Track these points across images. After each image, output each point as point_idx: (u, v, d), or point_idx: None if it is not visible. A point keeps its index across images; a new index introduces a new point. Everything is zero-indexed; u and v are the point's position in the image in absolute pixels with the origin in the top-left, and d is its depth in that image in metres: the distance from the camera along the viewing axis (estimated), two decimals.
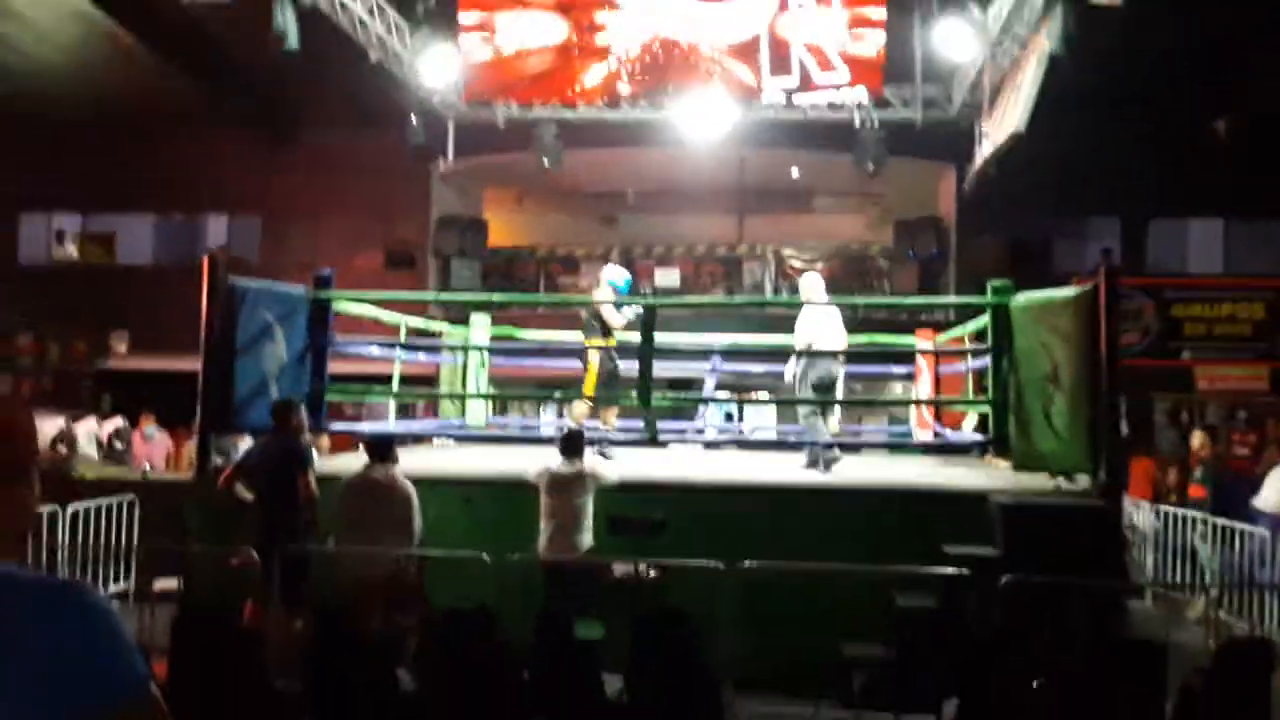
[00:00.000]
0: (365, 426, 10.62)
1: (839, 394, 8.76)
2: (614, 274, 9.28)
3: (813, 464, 8.35)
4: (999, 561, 6.29)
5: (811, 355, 8.49)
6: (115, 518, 8.90)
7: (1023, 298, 7.65)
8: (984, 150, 13.78)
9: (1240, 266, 17.69)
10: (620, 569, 6.72)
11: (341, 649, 4.87)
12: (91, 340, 19.24)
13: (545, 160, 15.75)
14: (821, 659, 5.87)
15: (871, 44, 14.47)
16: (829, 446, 8.42)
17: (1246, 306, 16.94)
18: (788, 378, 9.01)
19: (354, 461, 7.53)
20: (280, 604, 6.35)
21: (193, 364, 7.69)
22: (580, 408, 8.97)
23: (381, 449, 6.99)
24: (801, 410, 8.88)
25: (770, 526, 7.15)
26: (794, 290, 18.65)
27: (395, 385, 10.09)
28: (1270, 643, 5.52)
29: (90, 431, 13.61)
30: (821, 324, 8.51)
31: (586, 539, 6.89)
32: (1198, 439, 11.42)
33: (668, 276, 19.25)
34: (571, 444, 7.15)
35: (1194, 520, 10.24)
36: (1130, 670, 4.93)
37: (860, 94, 14.59)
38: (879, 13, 14.40)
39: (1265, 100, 15.66)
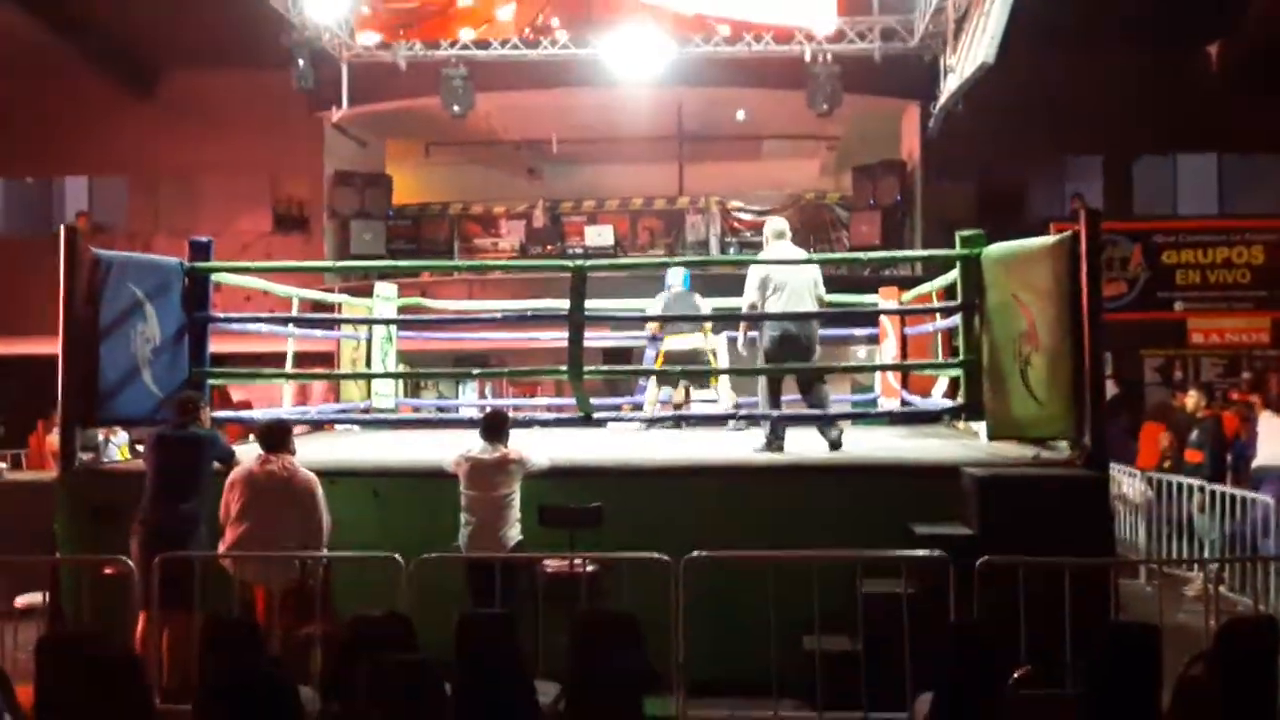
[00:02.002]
0: (256, 413, 10.50)
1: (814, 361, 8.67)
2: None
3: (769, 444, 8.41)
4: (974, 541, 6.41)
5: (759, 318, 8.48)
6: None
7: (995, 249, 7.74)
8: (949, 85, 13.94)
9: (1236, 207, 18.01)
10: (553, 565, 6.74)
11: (235, 665, 4.83)
12: None
13: (455, 106, 15.65)
14: (782, 655, 5.94)
15: None
16: (780, 421, 8.45)
17: (1244, 251, 17.24)
18: (739, 346, 9.06)
19: (245, 453, 7.46)
20: (165, 616, 6.29)
21: (51, 347, 7.56)
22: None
23: (276, 438, 6.95)
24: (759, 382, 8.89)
25: (721, 512, 7.21)
26: (743, 246, 19.03)
27: (289, 365, 9.99)
28: (1275, 620, 5.69)
29: None
30: (775, 280, 8.38)
31: (514, 533, 6.90)
32: (1192, 399, 11.69)
33: (600, 234, 19.21)
34: (494, 426, 7.14)
35: (1191, 488, 10.52)
36: (1123, 657, 5.06)
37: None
38: None
39: (1262, 23, 15.92)
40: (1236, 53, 16.74)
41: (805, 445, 8.49)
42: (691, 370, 10.04)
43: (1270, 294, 17.05)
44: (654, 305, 10.28)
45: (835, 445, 8.28)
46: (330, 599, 6.58)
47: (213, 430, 7.44)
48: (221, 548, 6.67)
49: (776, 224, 8.90)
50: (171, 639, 6.35)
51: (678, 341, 10.13)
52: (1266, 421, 11.37)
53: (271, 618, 6.40)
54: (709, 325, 10.28)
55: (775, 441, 8.39)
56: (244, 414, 10.44)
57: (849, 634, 6.23)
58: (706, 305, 10.25)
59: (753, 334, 8.69)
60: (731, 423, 9.83)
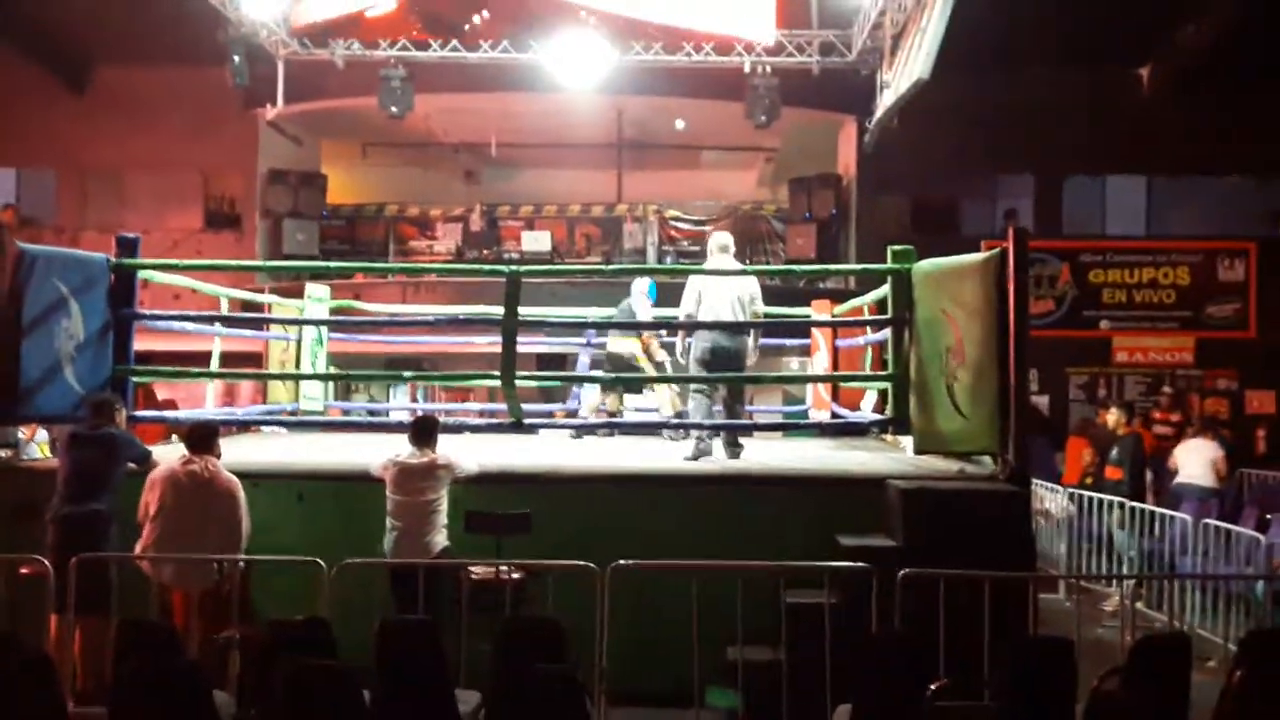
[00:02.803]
0: (181, 413, 10.36)
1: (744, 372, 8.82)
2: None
3: (698, 453, 8.48)
4: (898, 552, 6.48)
5: (694, 328, 8.59)
6: None
7: (925, 264, 7.83)
8: (885, 101, 14.11)
9: (1163, 228, 18.35)
10: (479, 572, 6.71)
11: (151, 668, 4.76)
12: None
13: (393, 107, 15.58)
14: (705, 665, 5.96)
15: None
16: (712, 431, 8.55)
17: (1170, 272, 17.59)
18: (676, 354, 9.16)
19: (168, 453, 7.36)
20: (79, 618, 6.18)
21: None
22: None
23: (201, 438, 6.87)
24: (690, 390, 8.99)
25: (648, 520, 7.22)
26: (680, 255, 19.10)
27: (215, 365, 9.86)
28: (1188, 639, 5.81)
29: None
30: (707, 292, 8.56)
31: (440, 539, 6.86)
32: (1113, 416, 11.90)
33: (537, 239, 19.17)
34: (424, 431, 7.10)
35: (1111, 504, 10.70)
36: (1040, 670, 5.13)
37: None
38: None
39: (1191, 45, 16.25)
40: (1166, 76, 17.11)
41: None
42: (623, 377, 10.04)
43: (1194, 315, 17.40)
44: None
45: (733, 459, 8.50)
46: (250, 602, 6.52)
47: (128, 431, 7.32)
48: (139, 548, 6.58)
49: (720, 238, 9.11)
50: (85, 641, 6.23)
51: (614, 344, 10.14)
52: (1187, 443, 11.68)
53: (189, 620, 6.32)
54: (650, 333, 10.27)
55: (702, 449, 8.47)
56: (168, 414, 10.28)
57: (772, 644, 6.25)
58: (645, 303, 10.22)
59: (689, 342, 8.82)
60: (667, 431, 9.84)
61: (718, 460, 8.40)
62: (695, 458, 8.41)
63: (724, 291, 8.58)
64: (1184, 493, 11.56)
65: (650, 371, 10.27)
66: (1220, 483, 11.84)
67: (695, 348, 8.65)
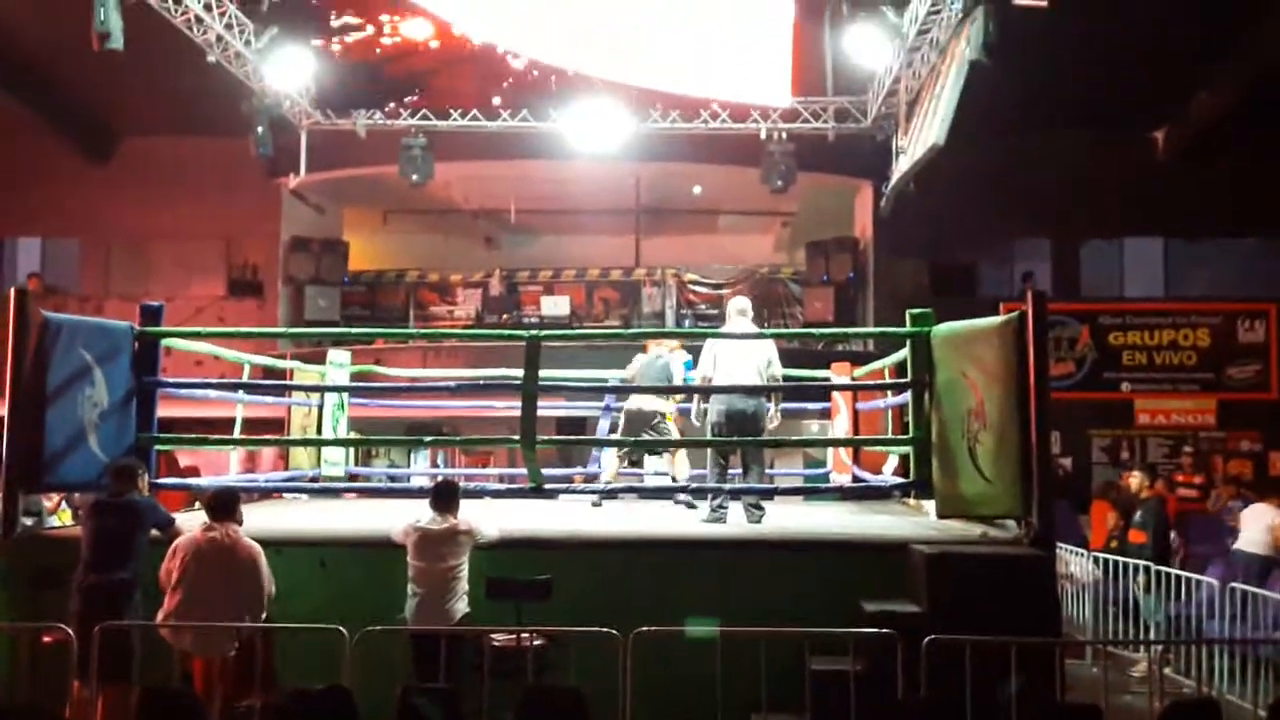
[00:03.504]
0: (203, 480, 10.39)
1: (764, 435, 8.78)
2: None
3: (713, 515, 8.47)
4: (923, 618, 6.42)
5: (710, 392, 8.60)
6: None
7: (944, 327, 7.83)
8: (901, 166, 14.19)
9: (1181, 290, 18.37)
10: (500, 639, 6.67)
11: None
12: None
13: (413, 175, 15.76)
14: None
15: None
16: (728, 495, 8.53)
17: (1189, 334, 17.52)
18: (691, 418, 9.15)
19: (190, 520, 7.37)
20: (104, 686, 6.16)
21: None
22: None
23: (223, 505, 6.87)
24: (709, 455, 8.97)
25: (671, 586, 7.18)
26: (698, 319, 19.14)
27: (237, 432, 9.90)
28: (1218, 704, 5.73)
29: None
30: (723, 355, 8.59)
31: (461, 605, 6.83)
32: (1135, 479, 11.81)
33: (556, 304, 19.27)
34: (444, 496, 7.10)
35: (1136, 569, 10.59)
36: None
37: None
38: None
39: (1205, 110, 16.36)
40: (1181, 138, 17.19)
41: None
42: (646, 441, 9.97)
43: (1215, 376, 17.30)
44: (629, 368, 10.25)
45: (755, 523, 8.44)
46: (272, 670, 6.48)
47: (151, 498, 7.34)
48: (160, 616, 6.57)
49: (739, 302, 9.16)
50: (108, 710, 6.21)
51: (637, 400, 9.96)
52: (1254, 506, 11.42)
53: (211, 688, 6.29)
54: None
55: (719, 513, 8.47)
56: (190, 481, 10.31)
57: (796, 712, 6.19)
58: (672, 360, 10.16)
59: (704, 406, 8.84)
60: (681, 497, 9.82)
61: (739, 524, 8.37)
62: (711, 521, 8.39)
63: (741, 355, 8.61)
64: (1237, 559, 11.31)
65: (674, 435, 10.24)
66: (1273, 548, 11.14)
67: (711, 411, 8.67)
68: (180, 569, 6.62)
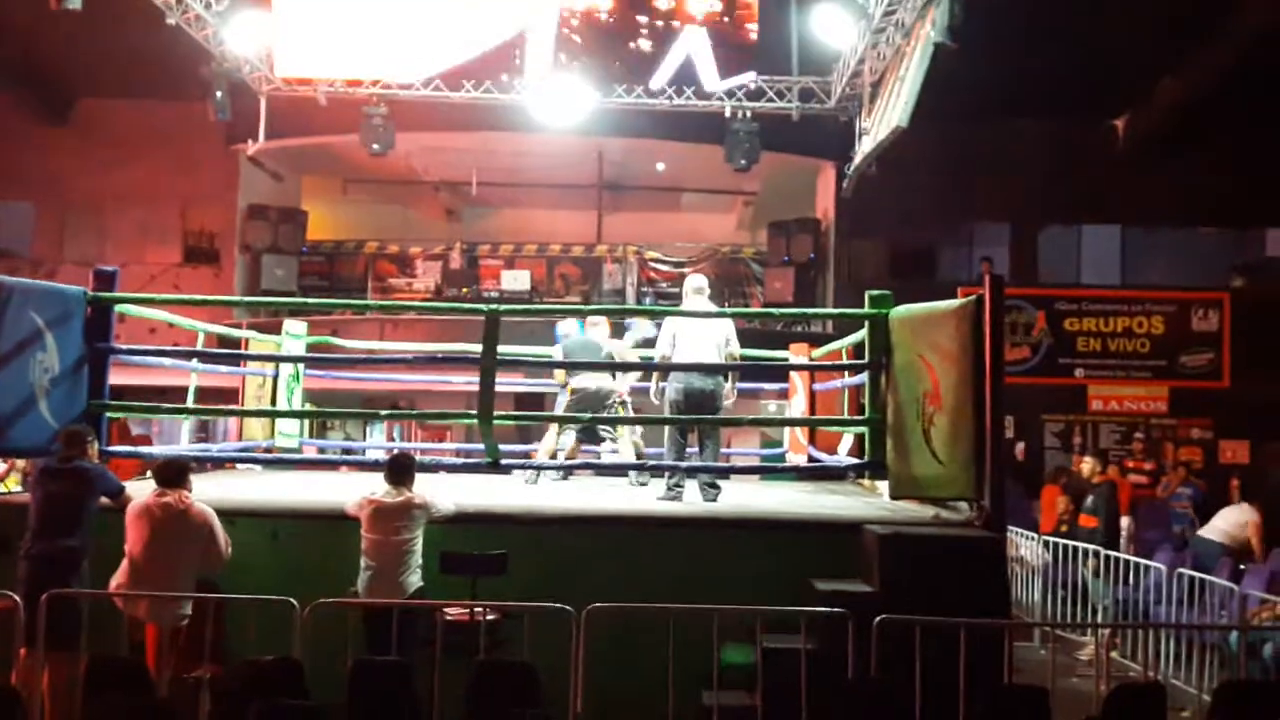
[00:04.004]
0: (155, 449, 10.28)
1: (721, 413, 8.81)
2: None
3: (670, 493, 8.51)
4: (875, 598, 6.47)
5: (670, 370, 8.62)
6: None
7: (903, 309, 7.86)
8: (864, 147, 14.23)
9: (1137, 278, 18.54)
10: (453, 613, 6.66)
11: (122, 707, 4.71)
12: None
13: (374, 144, 15.63)
14: (681, 709, 5.93)
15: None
16: (685, 473, 8.55)
17: (1144, 321, 17.65)
18: (650, 395, 9.17)
19: (141, 488, 7.30)
20: (49, 655, 6.10)
21: None
22: None
23: (172, 474, 6.80)
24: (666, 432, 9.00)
25: (625, 562, 7.19)
26: (659, 297, 19.15)
27: (190, 401, 9.81)
28: (1163, 688, 5.82)
29: None
30: (682, 333, 8.59)
31: (414, 579, 6.81)
32: (1088, 464, 11.94)
33: (516, 279, 19.23)
34: (400, 469, 7.07)
35: (1086, 553, 10.73)
36: (1015, 718, 5.13)
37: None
38: None
39: (1166, 100, 16.49)
40: (1142, 128, 17.32)
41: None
42: (601, 419, 9.94)
43: (1168, 364, 17.48)
44: (555, 352, 10.19)
45: (710, 501, 8.50)
46: (222, 641, 6.44)
47: (101, 465, 7.26)
48: (114, 582, 6.52)
49: (695, 280, 9.13)
50: (54, 678, 6.15)
51: (586, 380, 9.85)
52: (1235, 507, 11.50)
53: (163, 656, 6.25)
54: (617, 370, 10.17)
55: (675, 490, 8.51)
56: (142, 449, 10.19)
57: (748, 689, 6.23)
58: (614, 346, 10.15)
59: (663, 384, 8.86)
60: (633, 474, 9.79)
61: (694, 502, 8.39)
62: (668, 499, 8.43)
63: (699, 333, 8.60)
64: (1197, 544, 11.41)
65: (629, 414, 10.23)
66: (1233, 542, 11.12)
67: (669, 389, 8.69)
68: (132, 535, 6.57)
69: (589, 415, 9.53)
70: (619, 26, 15.41)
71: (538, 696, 5.43)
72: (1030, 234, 18.69)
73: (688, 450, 8.92)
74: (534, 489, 9.48)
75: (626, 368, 9.90)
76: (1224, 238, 18.97)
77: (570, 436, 10.09)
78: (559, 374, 10.13)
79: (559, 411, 10.30)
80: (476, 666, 5.70)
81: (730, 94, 15.37)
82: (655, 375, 9.04)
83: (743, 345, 9.03)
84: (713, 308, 9.27)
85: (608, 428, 9.97)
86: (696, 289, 9.00)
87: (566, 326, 10.40)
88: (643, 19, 15.39)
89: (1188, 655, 8.75)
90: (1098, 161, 17.46)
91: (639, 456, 9.93)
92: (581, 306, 15.86)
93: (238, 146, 17.46)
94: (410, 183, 20.66)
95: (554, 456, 9.91)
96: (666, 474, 8.71)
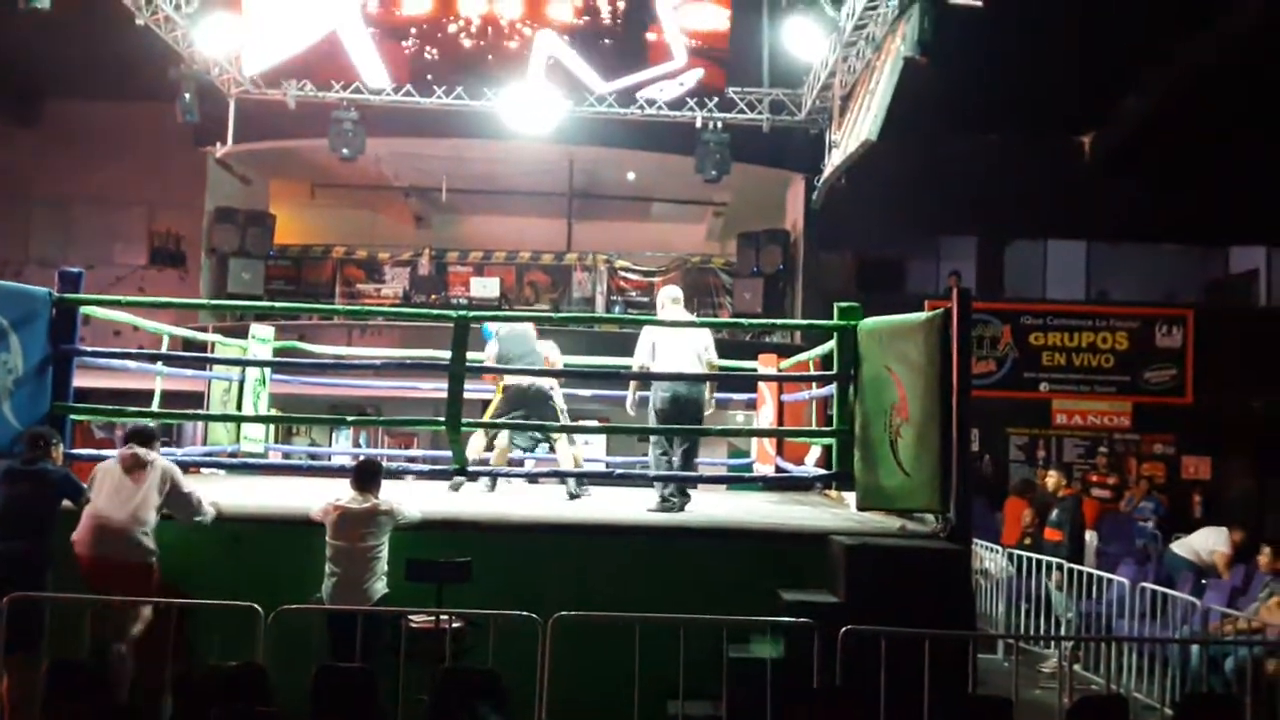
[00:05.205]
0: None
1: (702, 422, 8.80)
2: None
3: (665, 505, 8.44)
4: (840, 609, 6.50)
5: (647, 379, 8.63)
6: None
7: (870, 321, 7.92)
8: (834, 160, 14.30)
9: (1103, 294, 18.76)
10: (418, 620, 6.64)
11: (83, 712, 4.68)
12: None
13: (344, 149, 15.57)
14: (646, 718, 5.93)
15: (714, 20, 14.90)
16: (672, 483, 8.52)
17: (1109, 337, 17.79)
18: (628, 406, 9.17)
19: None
20: (9, 658, 6.05)
21: None
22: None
23: (140, 437, 7.06)
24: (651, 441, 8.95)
25: (592, 571, 7.20)
26: (628, 306, 19.17)
27: (155, 404, 9.74)
28: (1125, 701, 5.87)
29: None
30: (662, 342, 8.59)
31: (379, 586, 6.79)
32: (1052, 478, 12.03)
33: (486, 286, 19.20)
34: (366, 476, 7.05)
35: (1050, 566, 10.81)
36: None
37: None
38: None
39: (1132, 116, 16.68)
40: (1108, 144, 17.52)
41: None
42: (570, 427, 9.88)
43: (1132, 380, 17.63)
44: (490, 346, 9.76)
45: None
46: (185, 647, 6.40)
47: (64, 468, 7.22)
48: (75, 536, 6.59)
49: (671, 291, 9.16)
50: (13, 681, 6.10)
51: (525, 377, 9.42)
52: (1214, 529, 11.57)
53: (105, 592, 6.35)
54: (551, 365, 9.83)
55: (670, 502, 8.44)
56: (105, 453, 10.09)
57: (714, 698, 6.24)
58: (544, 347, 9.84)
59: (643, 394, 8.88)
60: (572, 482, 9.53)
61: (662, 512, 8.39)
62: (661, 510, 8.37)
63: (679, 342, 8.63)
64: (1167, 559, 11.50)
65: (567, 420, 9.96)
66: (1201, 563, 11.20)
67: (654, 397, 8.66)
68: (98, 487, 6.79)
69: (560, 425, 9.45)
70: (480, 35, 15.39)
71: (503, 704, 5.42)
72: (997, 248, 18.84)
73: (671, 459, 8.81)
74: (504, 495, 9.46)
75: (616, 376, 9.82)
76: (1188, 254, 19.18)
77: (503, 438, 9.86)
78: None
79: (490, 410, 9.97)
80: (441, 674, 5.69)
81: (701, 104, 15.43)
82: (633, 385, 9.02)
83: None
84: (689, 317, 9.27)
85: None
86: (673, 299, 9.02)
87: (495, 323, 10.02)
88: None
89: (1150, 668, 8.83)
90: (1064, 177, 17.62)
91: (577, 465, 9.79)
92: (551, 314, 15.85)
93: (206, 149, 17.36)
94: (379, 188, 20.61)
95: (482, 459, 9.70)
96: (659, 485, 8.58)
